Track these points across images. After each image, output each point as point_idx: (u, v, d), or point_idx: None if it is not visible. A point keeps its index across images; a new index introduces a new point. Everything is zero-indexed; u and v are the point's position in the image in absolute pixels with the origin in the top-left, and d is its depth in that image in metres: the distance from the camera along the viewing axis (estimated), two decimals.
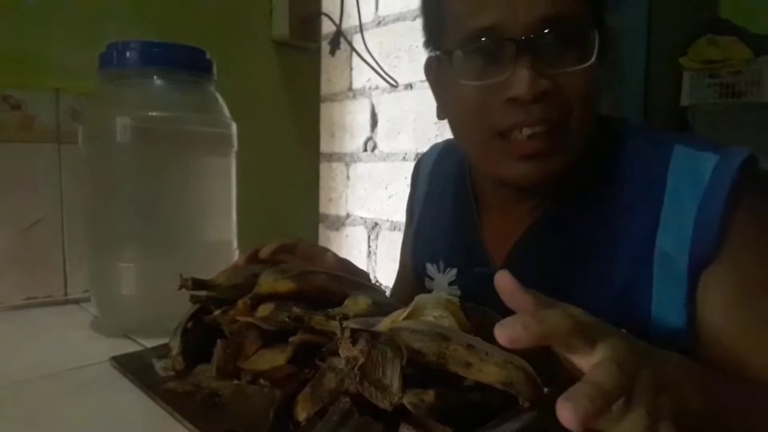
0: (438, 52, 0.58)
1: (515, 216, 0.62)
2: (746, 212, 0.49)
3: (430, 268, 0.72)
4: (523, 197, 0.60)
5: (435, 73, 0.62)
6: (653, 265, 0.52)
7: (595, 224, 0.56)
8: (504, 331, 0.31)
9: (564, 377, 0.34)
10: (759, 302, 0.49)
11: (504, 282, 0.35)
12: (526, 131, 0.52)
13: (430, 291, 0.72)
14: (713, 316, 0.50)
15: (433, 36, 0.60)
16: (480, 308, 0.68)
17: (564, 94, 0.51)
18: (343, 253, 1.42)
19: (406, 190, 1.32)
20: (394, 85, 1.29)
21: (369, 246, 1.38)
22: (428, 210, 0.76)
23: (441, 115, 0.63)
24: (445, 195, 0.73)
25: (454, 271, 0.68)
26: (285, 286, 0.51)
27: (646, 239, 0.53)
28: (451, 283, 0.69)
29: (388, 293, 0.93)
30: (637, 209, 0.54)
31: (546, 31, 0.49)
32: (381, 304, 0.50)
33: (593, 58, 0.50)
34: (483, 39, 0.51)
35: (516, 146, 0.53)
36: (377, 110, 1.34)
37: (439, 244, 0.71)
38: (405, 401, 0.36)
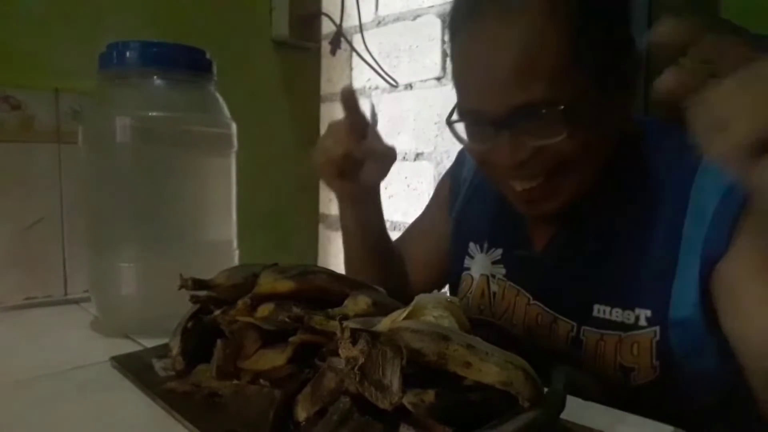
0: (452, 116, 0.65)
1: None
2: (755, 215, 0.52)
3: (473, 248, 0.77)
4: None
5: None
6: (679, 252, 0.56)
7: (632, 216, 0.61)
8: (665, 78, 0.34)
9: None
10: None
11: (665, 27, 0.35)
12: (519, 186, 0.59)
13: (468, 269, 0.76)
14: (730, 297, 0.53)
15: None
16: (486, 320, 0.70)
17: (548, 156, 0.56)
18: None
19: (406, 190, 1.32)
20: (394, 85, 1.29)
21: None
22: (475, 194, 0.80)
23: None
24: None
25: (500, 251, 0.73)
26: (285, 286, 0.51)
27: (674, 229, 0.57)
28: (495, 262, 0.73)
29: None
30: (668, 204, 0.58)
31: (518, 114, 0.55)
32: (381, 304, 0.50)
33: (563, 134, 0.54)
34: (471, 116, 0.60)
35: (517, 194, 0.61)
36: (377, 110, 1.34)
37: (486, 226, 0.76)
38: (405, 401, 0.36)
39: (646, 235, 0.59)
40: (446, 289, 0.85)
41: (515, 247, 0.70)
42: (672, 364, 0.57)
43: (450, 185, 0.85)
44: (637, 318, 0.58)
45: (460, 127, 0.62)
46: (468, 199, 0.81)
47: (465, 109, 0.60)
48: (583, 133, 0.55)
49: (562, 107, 0.53)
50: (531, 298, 0.67)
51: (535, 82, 0.53)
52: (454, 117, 0.62)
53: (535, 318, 0.66)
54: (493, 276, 0.72)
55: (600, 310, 0.60)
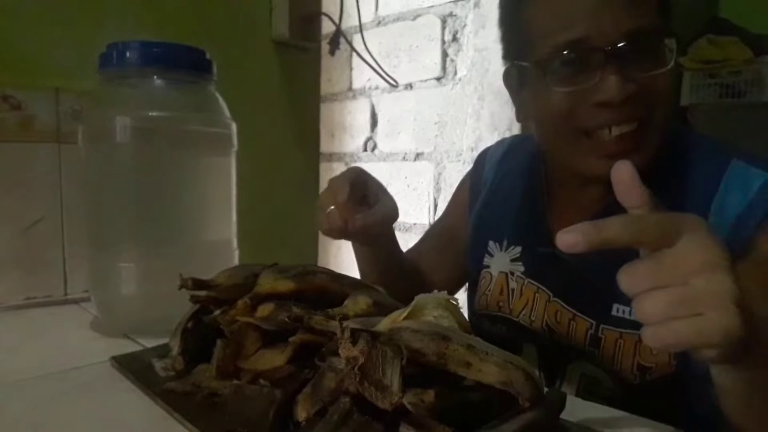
0: (524, 63, 0.63)
1: (581, 203, 0.66)
2: None
3: (492, 246, 0.77)
4: (591, 186, 0.65)
5: (516, 81, 0.66)
6: None
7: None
8: (564, 238, 0.34)
9: None
10: None
11: (624, 172, 0.37)
12: (615, 131, 0.57)
13: (487, 267, 0.76)
14: None
15: (516, 49, 0.65)
16: (503, 316, 0.68)
17: (648, 95, 0.56)
18: (343, 254, 1.42)
19: (406, 190, 1.32)
20: (394, 85, 1.29)
21: None
22: (497, 194, 0.80)
23: (521, 118, 0.69)
24: (515, 183, 0.77)
25: (519, 248, 0.73)
26: (285, 286, 0.51)
27: None
28: (513, 260, 0.73)
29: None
30: (690, 209, 0.57)
31: (629, 42, 0.54)
32: (381, 304, 0.50)
33: (672, 63, 0.56)
34: (573, 50, 0.56)
35: (602, 145, 0.58)
36: (377, 110, 1.34)
37: (505, 225, 0.76)
38: (405, 401, 0.36)
39: None
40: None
41: (535, 244, 0.70)
42: (688, 362, 0.56)
43: (470, 186, 0.86)
44: None
45: (550, 69, 0.58)
46: (488, 200, 0.81)
47: (568, 42, 0.56)
48: (674, 75, 0.56)
49: (675, 36, 0.55)
50: (551, 295, 0.67)
51: (648, 7, 0.54)
52: (536, 57, 0.59)
53: (555, 315, 0.66)
54: (512, 273, 0.72)
55: (619, 310, 0.60)
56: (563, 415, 0.44)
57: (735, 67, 1.45)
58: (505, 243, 0.75)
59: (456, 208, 0.88)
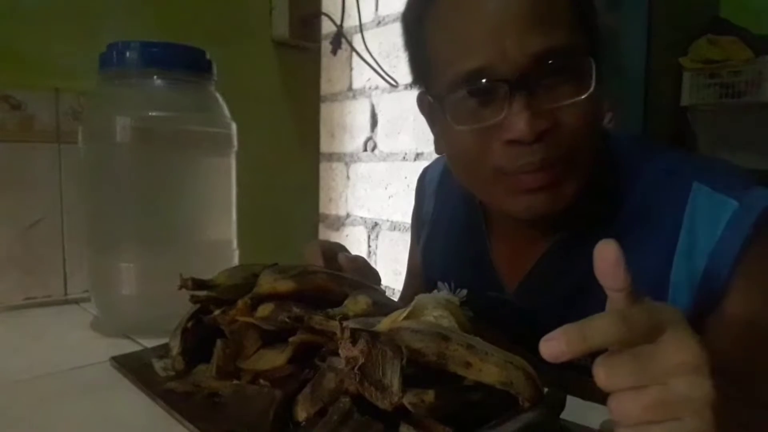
0: (428, 95, 0.57)
1: (526, 241, 0.62)
2: (758, 259, 0.49)
3: (441, 287, 0.72)
4: (534, 223, 0.60)
5: (428, 109, 0.61)
6: (667, 297, 0.52)
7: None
8: (547, 347, 0.32)
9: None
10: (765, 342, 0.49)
11: (609, 252, 0.34)
12: (532, 170, 0.51)
13: None
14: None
15: (420, 76, 0.60)
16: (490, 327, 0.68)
17: (565, 128, 0.50)
18: None
19: (406, 190, 1.32)
20: (394, 85, 1.29)
21: (369, 246, 1.38)
22: (437, 228, 0.75)
23: (438, 150, 0.63)
24: (455, 214, 0.72)
25: (465, 291, 0.68)
26: (285, 286, 0.51)
27: (660, 273, 0.52)
28: (463, 304, 0.69)
29: (388, 293, 0.93)
30: (652, 243, 0.53)
31: (539, 67, 0.48)
32: (381, 304, 0.50)
33: (591, 88, 0.49)
34: (475, 81, 0.50)
35: (520, 181, 0.52)
36: (377, 110, 1.34)
37: (450, 264, 0.71)
38: (405, 401, 0.36)
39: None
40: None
41: (482, 288, 0.64)
42: None
43: (415, 217, 0.81)
44: None
45: (451, 103, 0.52)
46: (430, 235, 0.76)
47: (469, 72, 0.50)
48: (596, 100, 0.49)
49: (591, 56, 0.48)
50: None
51: (555, 26, 0.47)
52: (441, 91, 0.52)
53: None
54: None
55: (581, 359, 0.58)
56: (563, 415, 0.44)
57: (735, 67, 1.45)
58: (452, 284, 0.69)
59: (413, 242, 0.83)
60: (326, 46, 1.39)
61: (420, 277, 0.79)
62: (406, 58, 0.62)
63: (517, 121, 0.48)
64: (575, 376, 0.62)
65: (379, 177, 1.34)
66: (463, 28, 0.50)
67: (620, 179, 0.57)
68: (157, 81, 0.71)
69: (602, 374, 0.33)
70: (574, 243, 0.58)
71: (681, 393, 0.32)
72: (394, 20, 1.29)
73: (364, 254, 1.38)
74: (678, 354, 0.32)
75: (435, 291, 0.71)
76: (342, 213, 1.44)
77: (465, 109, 0.52)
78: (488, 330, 0.46)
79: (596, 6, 0.54)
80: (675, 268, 0.52)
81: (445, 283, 0.71)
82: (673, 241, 0.52)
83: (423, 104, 0.62)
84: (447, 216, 0.74)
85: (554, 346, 0.31)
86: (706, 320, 0.51)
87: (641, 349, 0.33)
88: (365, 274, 0.62)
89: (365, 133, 1.37)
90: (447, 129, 0.55)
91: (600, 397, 0.57)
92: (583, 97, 0.49)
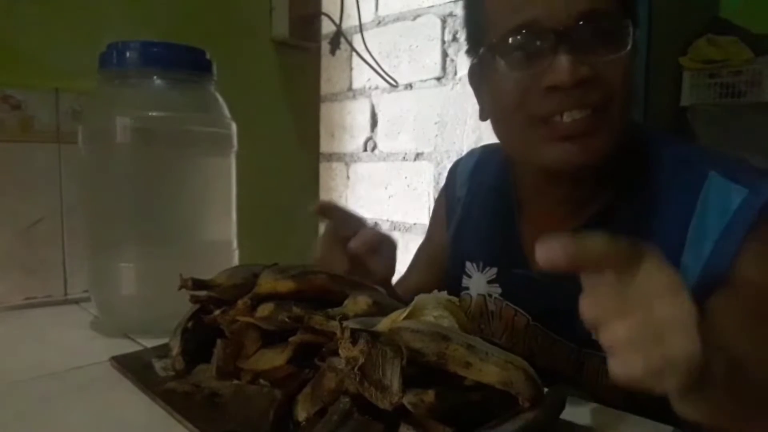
0: (479, 51, 0.61)
1: (554, 221, 0.64)
2: (762, 246, 0.52)
3: (470, 266, 0.75)
4: (563, 198, 0.63)
5: (478, 76, 0.65)
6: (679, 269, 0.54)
7: (632, 232, 0.60)
8: (544, 249, 0.34)
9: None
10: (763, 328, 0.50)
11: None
12: (567, 117, 0.54)
13: (466, 288, 0.74)
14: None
15: (474, 40, 0.63)
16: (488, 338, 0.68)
17: (603, 81, 0.53)
18: None
19: (406, 190, 1.32)
20: (394, 85, 1.29)
21: None
22: (469, 212, 0.78)
23: (483, 116, 0.66)
24: (487, 198, 0.75)
25: (494, 270, 0.71)
26: (285, 286, 0.51)
27: (672, 256, 0.54)
28: (490, 282, 0.71)
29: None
30: (667, 229, 0.56)
31: (582, 23, 0.52)
32: (381, 304, 0.50)
33: (628, 47, 0.54)
34: (523, 33, 0.54)
35: (557, 128, 0.55)
36: (377, 110, 1.34)
37: (480, 245, 0.74)
38: (405, 401, 0.36)
39: None
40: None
41: (511, 266, 0.68)
42: None
43: (445, 203, 0.83)
44: None
45: (501, 53, 0.56)
46: (462, 218, 0.79)
47: (519, 25, 0.54)
48: (632, 60, 0.54)
49: (631, 20, 0.53)
50: (530, 319, 0.65)
51: None
52: (489, 43, 0.57)
53: (535, 339, 0.65)
54: (490, 296, 0.70)
55: None
56: (563, 415, 0.44)
57: (735, 67, 1.45)
58: (481, 264, 0.73)
59: (436, 227, 0.85)
60: (326, 46, 1.40)
61: (436, 267, 0.82)
62: (465, 33, 0.66)
63: (559, 67, 0.52)
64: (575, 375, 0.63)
65: (379, 177, 1.34)
66: None
67: (641, 164, 0.60)
68: (157, 81, 0.71)
69: (588, 306, 0.35)
70: (597, 224, 0.60)
71: (664, 312, 0.34)
72: (394, 20, 1.29)
73: None
74: (661, 277, 0.34)
75: (465, 276, 0.74)
76: None
77: (514, 58, 0.56)
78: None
79: None
80: (686, 252, 0.55)
81: (473, 264, 0.74)
82: (685, 226, 0.55)
83: (473, 75, 0.66)
84: (479, 202, 0.77)
85: (550, 248, 0.34)
86: (709, 299, 0.53)
87: (621, 278, 0.35)
88: (379, 250, 0.65)
89: (365, 133, 1.37)
90: (493, 85, 0.60)
91: (600, 397, 0.58)
92: (620, 54, 0.53)
